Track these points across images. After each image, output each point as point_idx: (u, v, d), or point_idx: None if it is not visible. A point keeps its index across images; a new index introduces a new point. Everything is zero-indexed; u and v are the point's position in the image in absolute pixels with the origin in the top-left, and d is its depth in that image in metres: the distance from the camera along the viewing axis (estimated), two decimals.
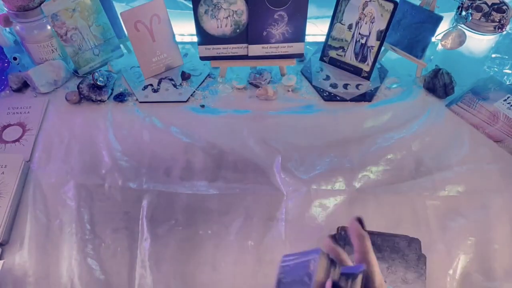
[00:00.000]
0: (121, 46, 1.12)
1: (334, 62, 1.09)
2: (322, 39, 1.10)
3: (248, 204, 0.87)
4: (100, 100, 1.03)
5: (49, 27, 1.02)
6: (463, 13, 0.95)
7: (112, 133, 0.98)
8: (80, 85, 1.03)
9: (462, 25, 0.96)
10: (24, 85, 1.07)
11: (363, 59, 1.04)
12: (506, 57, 1.09)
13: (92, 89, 1.03)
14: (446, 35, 0.98)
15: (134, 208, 0.87)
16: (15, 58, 1.10)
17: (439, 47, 1.03)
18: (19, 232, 0.85)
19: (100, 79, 1.03)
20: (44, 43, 1.04)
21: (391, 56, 1.11)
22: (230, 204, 0.87)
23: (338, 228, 0.80)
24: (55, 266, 0.81)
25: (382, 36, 0.99)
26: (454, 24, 0.98)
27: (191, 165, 0.92)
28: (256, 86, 1.06)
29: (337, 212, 0.85)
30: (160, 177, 0.91)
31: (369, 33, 1.01)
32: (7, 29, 1.08)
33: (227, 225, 0.84)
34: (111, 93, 1.06)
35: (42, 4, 0.98)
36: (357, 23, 1.01)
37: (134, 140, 0.96)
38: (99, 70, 1.07)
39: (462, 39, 0.96)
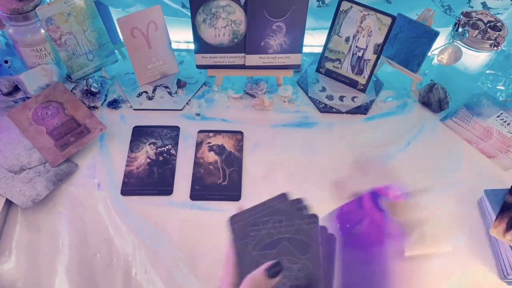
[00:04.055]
0: (116, 51, 1.11)
1: (330, 74, 1.09)
2: (319, 50, 1.11)
3: None
4: (93, 107, 1.01)
5: (42, 31, 1.00)
6: (460, 29, 0.97)
7: (105, 140, 0.96)
8: (74, 91, 1.02)
9: (458, 42, 0.97)
10: (15, 89, 1.04)
11: (360, 72, 1.04)
12: (500, 73, 1.11)
13: (85, 95, 1.01)
14: (442, 51, 0.99)
15: None
16: (6, 61, 1.08)
17: (435, 61, 1.04)
18: (7, 241, 0.82)
19: (94, 85, 1.01)
20: (37, 47, 1.01)
21: (386, 69, 1.12)
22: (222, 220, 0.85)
23: None
24: (46, 277, 0.79)
25: (379, 50, 1.00)
26: (451, 40, 0.99)
27: None
28: (252, 96, 1.06)
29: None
30: None
31: (366, 46, 1.01)
32: None
33: (220, 244, 0.83)
34: (105, 100, 1.04)
35: (36, 8, 0.96)
36: (354, 36, 1.01)
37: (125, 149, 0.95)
38: (93, 76, 1.05)
39: (458, 55, 0.98)
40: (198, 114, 1.02)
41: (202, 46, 1.01)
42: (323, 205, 0.88)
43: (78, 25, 1.01)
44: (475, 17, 0.97)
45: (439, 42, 1.01)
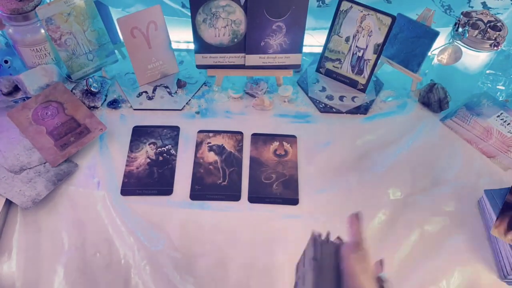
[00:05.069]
0: (116, 51, 1.11)
1: (330, 74, 1.09)
2: (318, 50, 1.10)
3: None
4: (93, 107, 1.01)
5: (43, 31, 1.00)
6: (460, 29, 0.96)
7: (105, 140, 0.96)
8: (74, 91, 1.02)
9: (459, 41, 0.97)
10: (15, 89, 1.04)
11: (360, 72, 1.04)
12: (500, 73, 1.11)
13: (85, 95, 1.01)
14: (442, 51, 0.99)
15: None
16: (6, 61, 1.08)
17: (435, 61, 1.04)
18: (7, 241, 0.82)
19: (94, 85, 1.01)
20: (37, 47, 1.01)
21: (386, 69, 1.11)
22: (221, 220, 0.86)
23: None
24: (46, 276, 0.79)
25: (379, 50, 1.00)
26: (451, 40, 0.99)
27: None
28: (253, 96, 1.06)
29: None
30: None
31: (366, 46, 1.01)
32: None
33: (220, 244, 0.83)
34: (105, 100, 1.04)
35: (36, 8, 0.96)
36: (354, 36, 1.01)
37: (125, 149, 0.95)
38: (93, 76, 1.05)
39: (458, 55, 0.97)
40: (198, 112, 1.02)
41: (202, 46, 1.01)
42: (323, 204, 0.88)
43: (78, 25, 1.01)
44: (475, 17, 0.97)
45: (439, 42, 1.01)
